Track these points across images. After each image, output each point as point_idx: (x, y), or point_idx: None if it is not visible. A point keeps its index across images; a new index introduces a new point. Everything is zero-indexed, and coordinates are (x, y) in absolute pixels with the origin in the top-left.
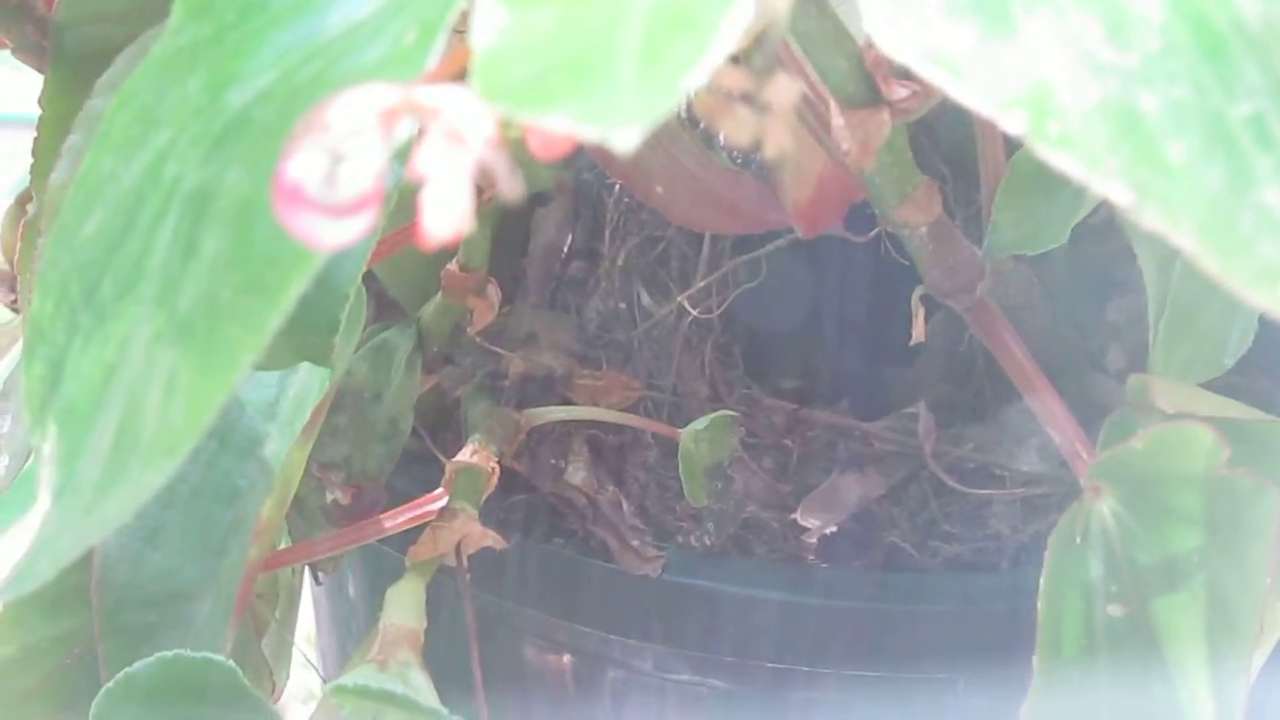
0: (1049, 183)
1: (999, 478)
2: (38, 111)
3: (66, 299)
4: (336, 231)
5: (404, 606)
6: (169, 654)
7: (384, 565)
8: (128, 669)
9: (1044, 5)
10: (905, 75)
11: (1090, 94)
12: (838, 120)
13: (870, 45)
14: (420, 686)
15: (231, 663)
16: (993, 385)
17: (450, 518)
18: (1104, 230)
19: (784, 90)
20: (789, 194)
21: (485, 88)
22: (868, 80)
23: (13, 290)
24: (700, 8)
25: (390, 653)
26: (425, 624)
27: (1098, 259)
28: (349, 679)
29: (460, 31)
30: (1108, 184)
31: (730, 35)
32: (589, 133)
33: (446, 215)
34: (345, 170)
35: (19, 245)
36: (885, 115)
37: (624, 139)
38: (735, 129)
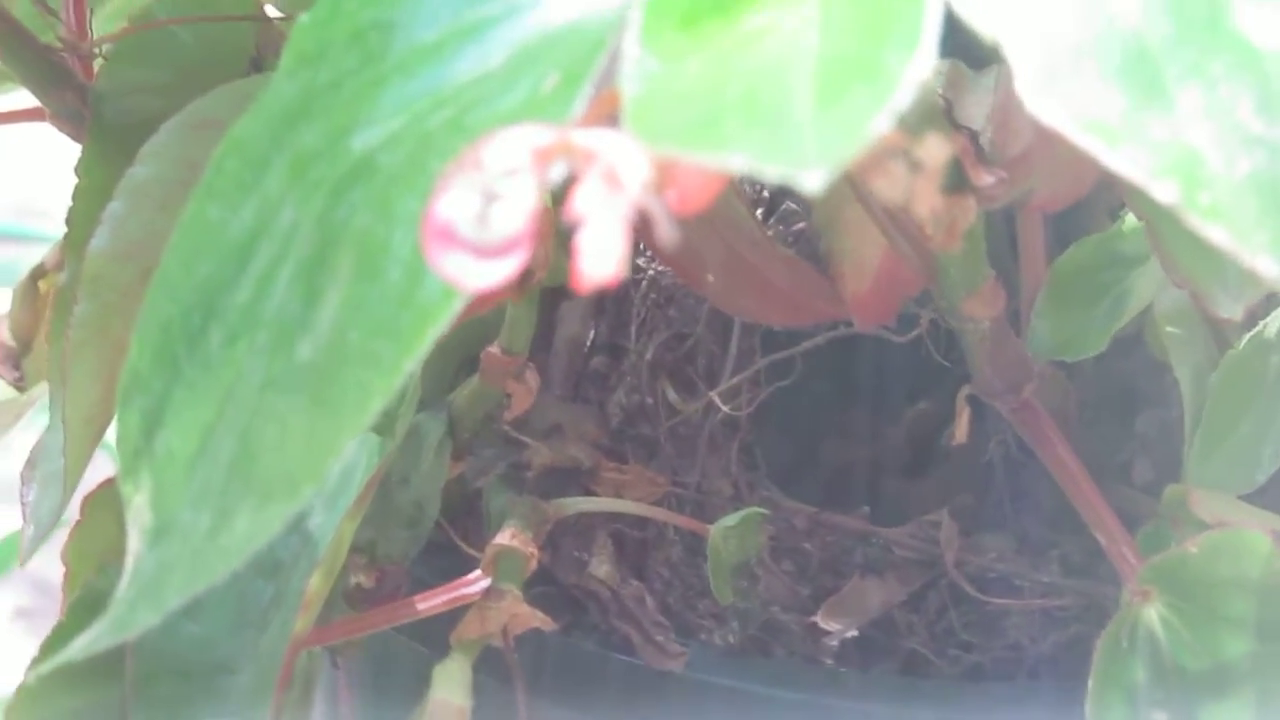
0: (1090, 290)
1: (1018, 588)
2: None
3: (168, 348)
4: (485, 272)
5: (452, 684)
6: None
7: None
8: None
9: (1195, 76)
10: (990, 163)
11: (1240, 166)
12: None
13: (959, 130)
14: None
15: None
16: (1012, 496)
17: (498, 598)
18: (1130, 344)
19: (935, 150)
20: (847, 285)
21: (646, 131)
22: (956, 166)
23: (16, 368)
24: (878, 55)
25: None
26: (472, 702)
27: (1123, 372)
28: None
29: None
30: (1255, 258)
31: (913, 83)
32: (771, 172)
33: (603, 260)
34: (498, 210)
35: (48, 315)
36: (971, 201)
37: (810, 180)
38: (887, 186)
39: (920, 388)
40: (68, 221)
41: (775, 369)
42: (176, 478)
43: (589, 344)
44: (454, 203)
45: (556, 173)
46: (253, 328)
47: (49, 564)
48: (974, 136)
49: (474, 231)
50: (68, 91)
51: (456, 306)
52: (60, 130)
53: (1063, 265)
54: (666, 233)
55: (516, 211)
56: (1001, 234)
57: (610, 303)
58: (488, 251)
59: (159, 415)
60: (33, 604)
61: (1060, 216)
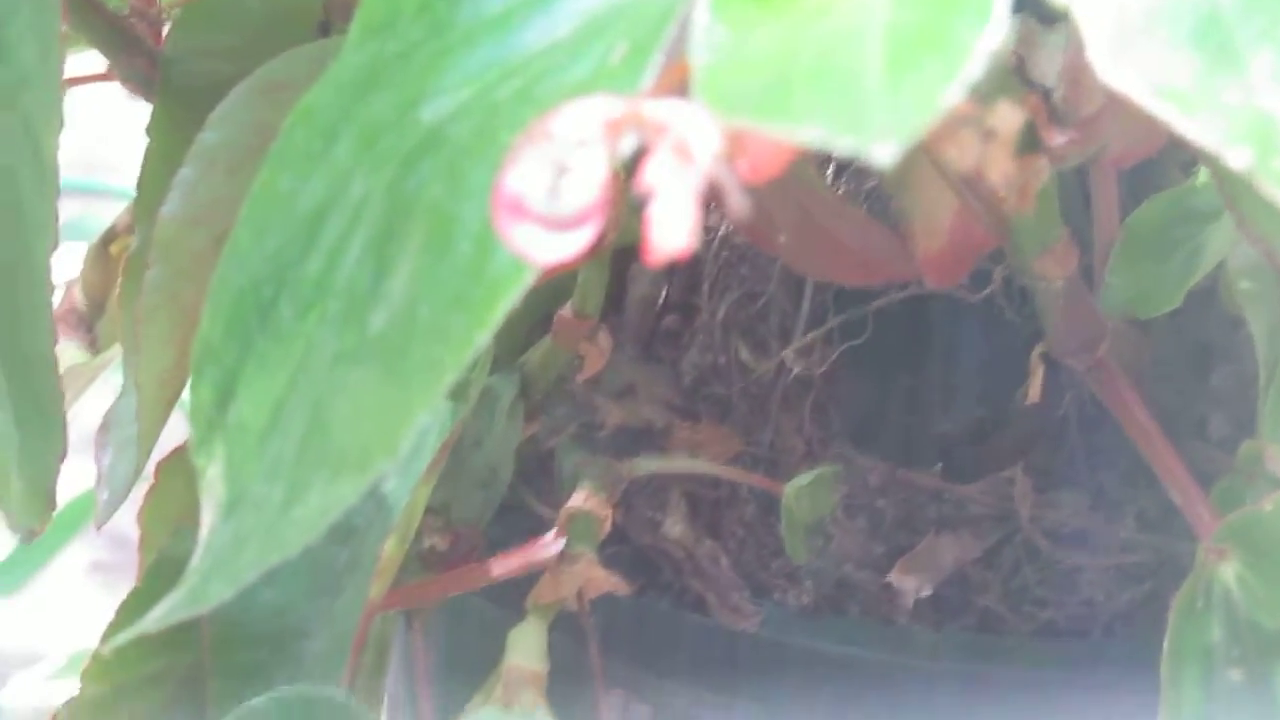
0: (1164, 246)
1: (1093, 544)
2: None
3: (239, 320)
4: (556, 245)
5: (527, 649)
6: (289, 689)
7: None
8: (248, 703)
9: (1268, 41)
10: (1063, 122)
11: None
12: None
13: (1031, 89)
14: None
15: (362, 705)
16: (1087, 452)
17: (571, 562)
18: (1205, 299)
19: (1007, 117)
20: (919, 244)
21: (717, 101)
22: (1029, 127)
23: (89, 330)
24: (949, 26)
25: (515, 694)
26: (548, 666)
27: (1198, 327)
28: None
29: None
30: None
31: (985, 54)
32: (843, 144)
33: (675, 231)
34: (568, 182)
35: (120, 280)
36: (1044, 161)
37: (882, 153)
38: (959, 154)
39: (993, 345)
40: (138, 186)
41: (848, 327)
42: (249, 450)
43: (661, 303)
44: (524, 175)
45: (627, 144)
46: (324, 300)
47: (125, 518)
48: (1046, 95)
49: (544, 204)
50: (137, 56)
51: (527, 280)
52: (131, 92)
53: (1136, 221)
54: (738, 202)
55: (587, 183)
56: (1074, 190)
57: (682, 262)
58: (558, 224)
59: (231, 387)
60: (109, 558)
61: (1133, 172)
